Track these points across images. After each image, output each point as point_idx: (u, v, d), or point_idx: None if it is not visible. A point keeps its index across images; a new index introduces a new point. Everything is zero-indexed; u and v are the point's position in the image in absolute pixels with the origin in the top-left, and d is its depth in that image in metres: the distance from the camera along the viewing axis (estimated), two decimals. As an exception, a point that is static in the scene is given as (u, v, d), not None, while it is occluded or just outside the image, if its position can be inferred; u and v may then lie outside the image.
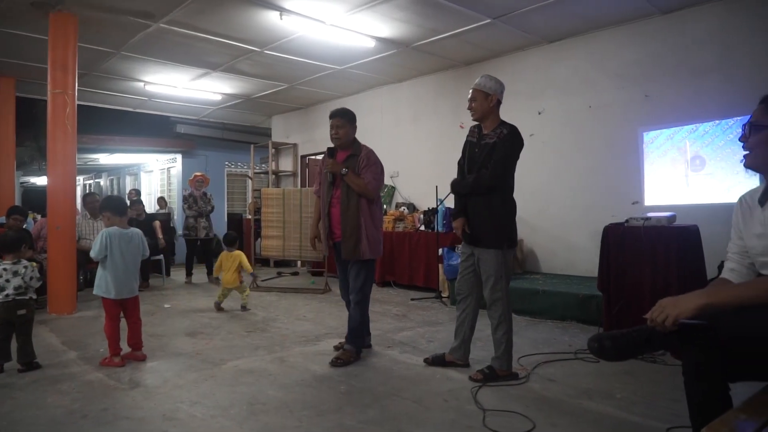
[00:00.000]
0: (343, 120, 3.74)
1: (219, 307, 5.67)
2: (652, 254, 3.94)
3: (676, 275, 3.79)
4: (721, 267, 1.99)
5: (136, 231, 3.86)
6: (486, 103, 3.35)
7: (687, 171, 5.38)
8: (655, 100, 5.60)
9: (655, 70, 5.60)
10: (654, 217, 4.06)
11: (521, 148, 3.34)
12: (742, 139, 1.77)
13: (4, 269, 3.51)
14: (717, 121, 5.15)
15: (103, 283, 3.64)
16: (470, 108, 3.40)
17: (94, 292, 3.72)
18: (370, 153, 3.77)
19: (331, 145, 3.84)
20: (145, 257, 3.91)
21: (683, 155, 5.40)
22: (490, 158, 3.28)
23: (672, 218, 4.08)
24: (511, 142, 3.28)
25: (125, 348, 3.75)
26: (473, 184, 3.34)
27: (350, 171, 3.66)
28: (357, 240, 3.64)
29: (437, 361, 3.55)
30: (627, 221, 4.18)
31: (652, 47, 5.62)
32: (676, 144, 5.44)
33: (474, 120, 3.46)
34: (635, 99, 5.74)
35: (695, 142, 5.32)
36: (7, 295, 3.48)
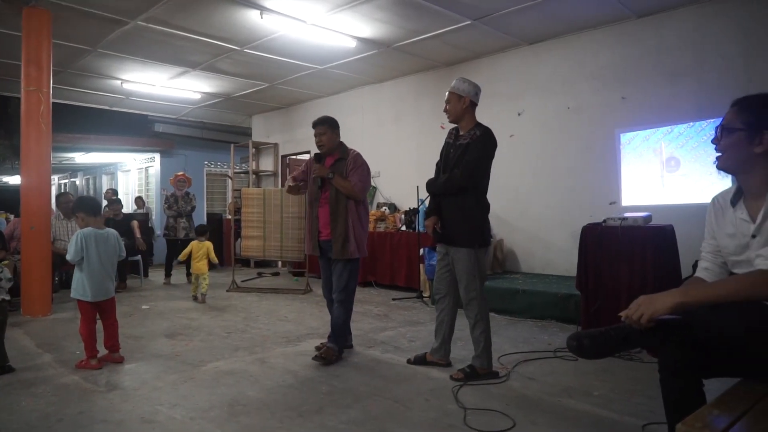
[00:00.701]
0: (324, 127, 3.86)
1: (198, 299, 5.71)
2: (629, 254, 4.01)
3: (652, 274, 3.86)
4: (695, 266, 2.03)
5: (112, 231, 3.79)
6: (459, 105, 3.39)
7: (662, 172, 5.49)
8: (631, 102, 5.70)
9: (631, 73, 5.70)
10: (630, 217, 4.13)
11: (494, 149, 3.39)
12: (715, 141, 1.81)
13: None
14: (691, 123, 5.26)
15: (80, 286, 3.58)
16: (445, 110, 3.45)
17: (72, 296, 3.63)
18: (357, 156, 3.86)
19: (318, 151, 3.92)
20: (121, 258, 3.85)
21: (659, 156, 5.51)
22: (463, 159, 3.32)
23: (648, 218, 4.16)
24: (483, 143, 3.32)
25: (102, 350, 3.68)
26: (445, 184, 3.38)
27: (337, 175, 3.76)
28: (345, 239, 3.71)
29: (419, 361, 3.58)
30: (604, 221, 4.24)
31: (628, 50, 5.72)
32: (652, 145, 5.55)
33: (450, 122, 3.52)
34: (612, 101, 5.84)
35: (670, 144, 5.43)
36: None
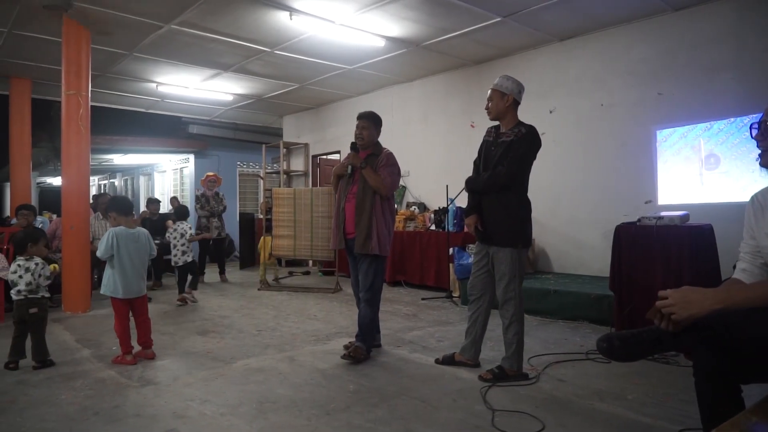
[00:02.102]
0: (369, 122, 3.90)
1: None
2: (665, 254, 3.89)
3: (689, 275, 3.74)
4: (735, 267, 1.95)
5: (143, 231, 3.88)
6: (502, 102, 3.35)
7: (701, 169, 5.31)
8: (668, 98, 5.53)
9: (667, 68, 5.53)
10: (667, 216, 4.01)
11: (539, 148, 3.33)
12: (757, 137, 1.74)
13: (18, 265, 3.60)
14: (732, 119, 5.07)
15: (111, 283, 3.67)
16: (487, 108, 3.42)
17: (102, 292, 3.75)
18: (390, 155, 3.90)
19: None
20: (152, 256, 3.95)
21: (697, 154, 5.33)
22: (507, 156, 3.27)
23: (685, 217, 4.03)
24: (528, 141, 3.27)
25: (136, 347, 3.79)
26: (488, 181, 3.33)
27: (368, 166, 3.79)
28: (367, 234, 3.72)
29: (447, 360, 3.55)
30: (639, 220, 4.13)
31: (664, 44, 5.55)
32: (690, 142, 5.37)
33: (491, 119, 3.47)
34: (648, 97, 5.68)
35: (709, 140, 5.25)
36: (19, 291, 3.55)
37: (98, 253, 3.68)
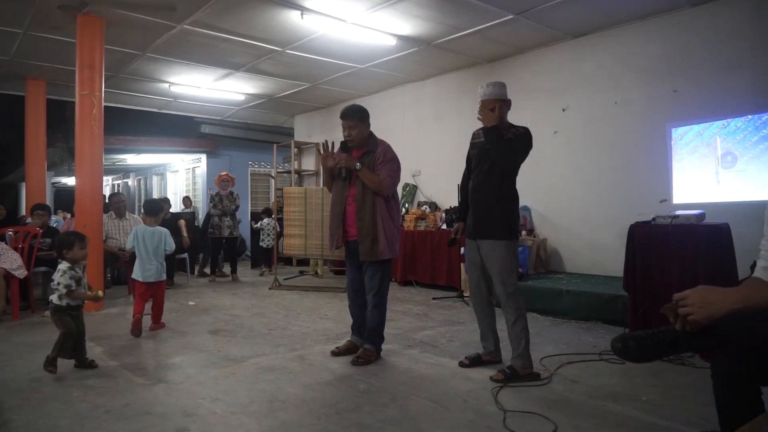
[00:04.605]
0: (354, 120, 3.61)
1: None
2: (681, 253, 3.83)
3: (705, 275, 3.67)
4: (753, 267, 1.90)
5: (161, 229, 4.71)
6: (505, 106, 3.32)
7: (717, 168, 5.22)
8: (683, 96, 5.45)
9: (683, 65, 5.45)
10: (682, 215, 3.94)
11: (531, 149, 3.34)
12: None
13: (63, 271, 3.47)
14: (749, 117, 4.98)
15: (136, 269, 4.61)
16: (482, 118, 3.34)
17: (132, 276, 4.76)
18: (388, 149, 3.65)
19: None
20: (168, 251, 4.68)
21: (714, 152, 5.24)
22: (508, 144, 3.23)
23: (701, 216, 3.96)
24: (526, 140, 3.29)
25: (148, 325, 4.47)
26: (499, 143, 3.19)
27: (364, 167, 3.54)
28: (374, 239, 3.50)
29: (475, 361, 3.48)
30: (654, 219, 4.07)
31: (680, 41, 5.47)
32: (706, 140, 5.28)
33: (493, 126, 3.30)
34: (663, 94, 5.59)
35: (726, 138, 5.15)
36: (60, 297, 3.47)
37: (127, 246, 4.82)
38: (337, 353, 3.76)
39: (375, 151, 3.62)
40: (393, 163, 3.62)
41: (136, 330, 4.34)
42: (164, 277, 4.68)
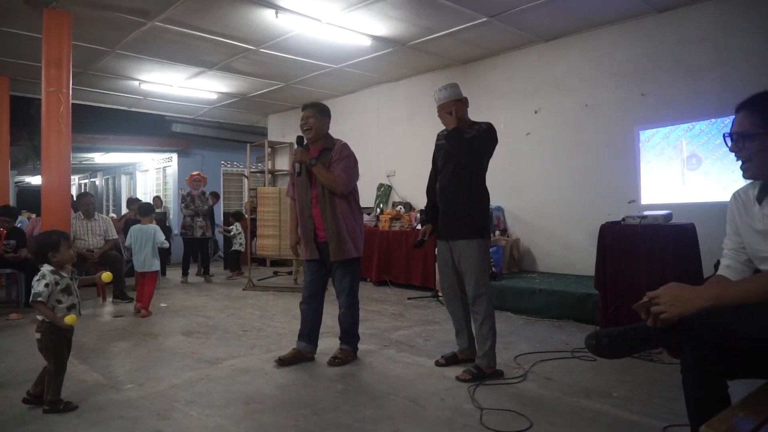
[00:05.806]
0: (314, 111, 3.57)
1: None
2: (649, 253, 3.94)
3: (673, 273, 3.78)
4: (717, 265, 1.97)
5: (151, 226, 5.65)
6: (463, 107, 3.36)
7: (683, 170, 5.38)
8: (651, 99, 5.60)
9: (651, 69, 5.61)
10: (650, 215, 4.05)
11: (496, 143, 3.39)
12: (734, 149, 1.74)
13: (46, 285, 2.78)
14: (713, 120, 5.15)
15: (135, 261, 5.57)
16: (445, 120, 3.37)
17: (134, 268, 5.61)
18: (344, 146, 3.59)
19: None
20: (161, 245, 5.62)
21: (679, 154, 5.40)
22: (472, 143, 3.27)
23: (668, 216, 4.08)
24: (491, 135, 3.33)
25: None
26: (462, 143, 3.25)
27: (319, 163, 3.49)
28: (339, 239, 3.50)
29: (451, 360, 3.52)
30: (623, 220, 4.17)
31: (648, 46, 5.63)
32: (672, 143, 5.45)
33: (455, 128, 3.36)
34: (631, 97, 5.74)
35: (691, 141, 5.32)
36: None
37: (126, 243, 5.77)
38: (282, 362, 3.51)
39: (332, 148, 3.58)
40: (349, 160, 3.55)
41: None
42: (154, 268, 5.54)
